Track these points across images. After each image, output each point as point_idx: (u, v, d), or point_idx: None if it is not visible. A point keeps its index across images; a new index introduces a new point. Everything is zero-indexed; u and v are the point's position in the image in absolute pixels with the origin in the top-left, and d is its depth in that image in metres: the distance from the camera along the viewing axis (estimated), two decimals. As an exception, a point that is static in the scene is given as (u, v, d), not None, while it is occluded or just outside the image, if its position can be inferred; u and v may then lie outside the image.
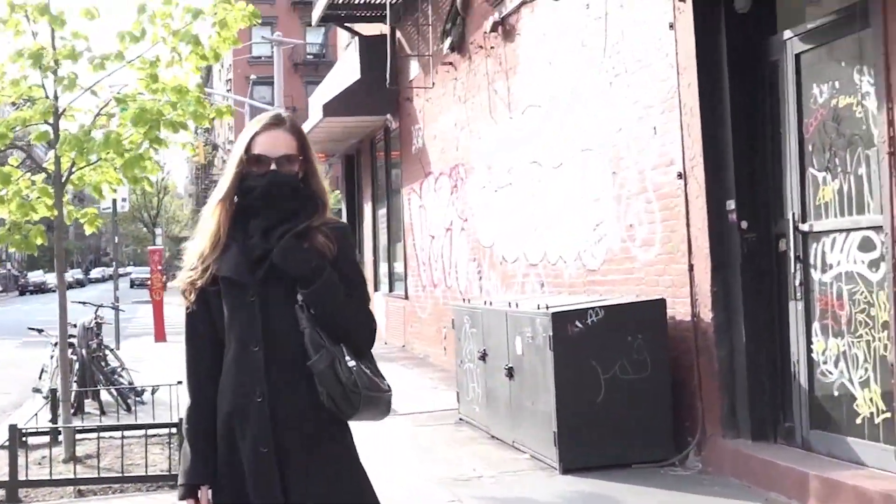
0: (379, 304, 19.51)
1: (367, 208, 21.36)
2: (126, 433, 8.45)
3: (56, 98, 8.62)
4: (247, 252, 3.11)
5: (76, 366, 11.33)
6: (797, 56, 6.87)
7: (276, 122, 3.20)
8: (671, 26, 7.73)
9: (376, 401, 3.07)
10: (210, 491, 3.12)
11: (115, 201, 21.36)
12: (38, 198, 8.77)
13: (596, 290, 9.23)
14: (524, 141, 11.20)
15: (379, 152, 19.98)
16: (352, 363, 3.04)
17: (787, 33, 6.92)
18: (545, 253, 10.69)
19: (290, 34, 47.16)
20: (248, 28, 10.65)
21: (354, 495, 3.09)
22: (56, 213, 8.69)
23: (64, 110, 8.69)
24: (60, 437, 8.85)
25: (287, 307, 3.07)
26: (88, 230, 9.47)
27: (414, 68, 16.60)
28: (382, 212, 20.13)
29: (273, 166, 3.12)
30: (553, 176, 10.35)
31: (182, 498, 3.14)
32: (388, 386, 3.12)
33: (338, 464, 3.09)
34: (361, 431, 3.29)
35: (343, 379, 3.00)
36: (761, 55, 7.22)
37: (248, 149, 3.15)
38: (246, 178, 3.15)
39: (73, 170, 8.71)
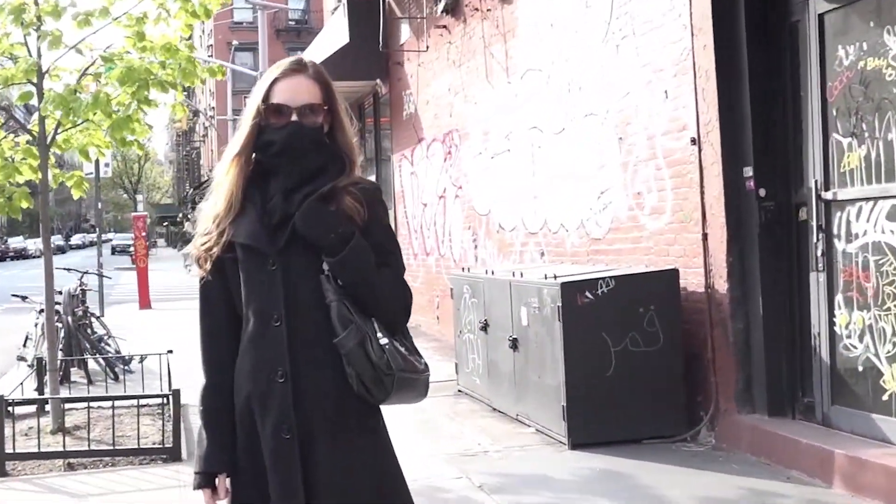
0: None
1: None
2: (116, 404, 8.13)
3: (39, 56, 8.24)
4: (266, 216, 2.79)
5: (62, 334, 10.99)
6: (820, 16, 6.56)
7: (298, 67, 2.85)
8: (685, -15, 7.41)
9: (412, 383, 2.76)
10: (228, 480, 2.82)
11: (97, 165, 20.90)
12: (23, 159, 8.39)
13: (600, 259, 8.95)
14: (523, 106, 10.87)
15: (368, 118, 19.61)
16: (384, 341, 2.72)
17: (811, -8, 6.62)
18: (545, 221, 10.39)
19: (273, -1, 46.59)
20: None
21: (385, 493, 2.78)
22: (41, 175, 8.33)
23: (48, 69, 8.31)
24: (47, 408, 8.54)
25: (312, 277, 2.75)
26: (76, 194, 9.09)
27: (405, 32, 16.21)
28: (371, 179, 19.73)
29: (294, 117, 2.79)
30: (554, 142, 10.04)
31: (198, 487, 2.84)
32: (426, 364, 2.81)
33: (367, 454, 2.77)
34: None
35: (374, 359, 2.69)
36: (781, 16, 6.92)
37: (266, 98, 2.81)
38: (264, 131, 2.82)
39: (59, 131, 8.34)
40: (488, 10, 12.00)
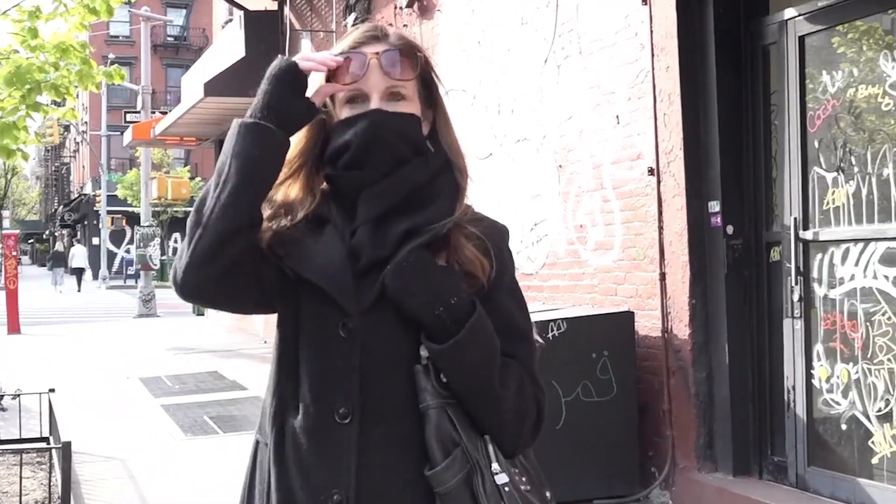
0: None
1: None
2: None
3: (-89, 51, 7.22)
4: (347, 250, 1.93)
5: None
6: (801, 39, 5.99)
7: (375, 34, 2.00)
8: (644, 1, 6.79)
9: None
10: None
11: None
12: None
13: (533, 297, 8.25)
14: (443, 128, 10.14)
15: (260, 137, 18.66)
16: (502, 479, 1.88)
17: (790, 12, 6.05)
18: (467, 253, 9.65)
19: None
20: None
21: None
22: None
23: (-80, 67, 7.29)
24: None
25: (403, 364, 1.90)
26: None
27: (305, 47, 15.37)
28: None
29: (374, 105, 1.95)
30: (479, 168, 9.32)
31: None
32: (550, 497, 1.99)
33: None
34: None
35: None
36: (755, 37, 6.35)
37: (330, 80, 1.97)
38: (333, 133, 1.97)
39: (-70, 138, 7.32)
40: (404, 25, 11.26)
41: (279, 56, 2.01)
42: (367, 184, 1.93)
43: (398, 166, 1.93)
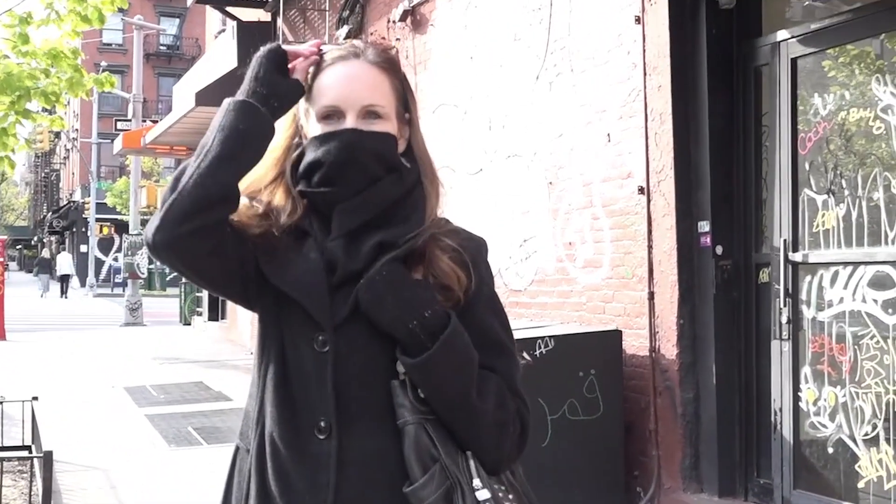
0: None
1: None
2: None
3: None
4: (324, 263, 1.90)
5: None
6: (793, 61, 6.00)
7: (354, 51, 1.98)
8: (638, 20, 6.79)
9: None
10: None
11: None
12: None
13: (520, 313, 8.23)
14: (434, 143, 10.11)
15: (251, 148, 18.62)
16: (483, 494, 1.84)
17: (783, 34, 6.05)
18: (456, 268, 9.62)
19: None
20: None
21: None
22: None
23: None
24: None
25: (379, 378, 1.88)
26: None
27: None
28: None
29: (350, 123, 1.92)
30: (469, 183, 9.31)
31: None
32: None
33: None
34: None
35: None
36: (747, 58, 6.35)
37: (309, 96, 1.96)
38: (307, 149, 1.95)
39: (-82, 143, 7.27)
40: (397, 38, 11.26)
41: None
42: (340, 201, 1.92)
43: (371, 184, 1.92)
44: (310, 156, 1.94)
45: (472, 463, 1.86)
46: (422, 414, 1.85)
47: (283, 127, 2.03)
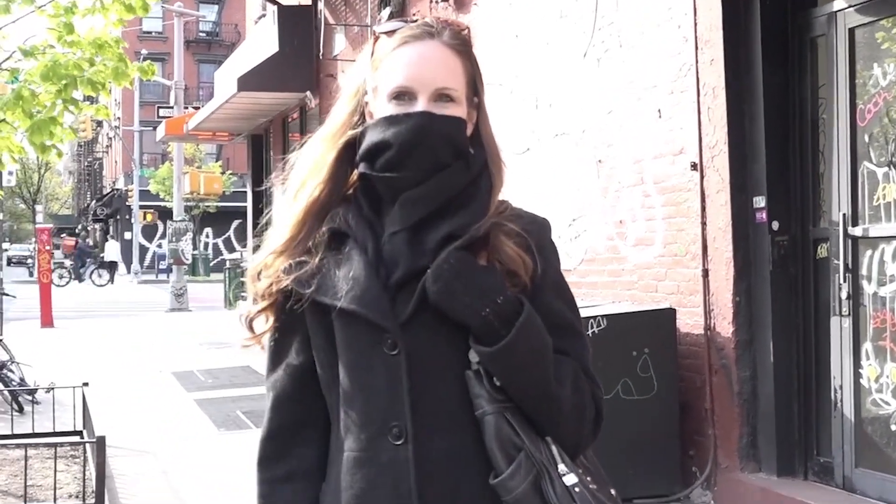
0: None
1: (279, 194, 19.96)
2: (27, 442, 7.00)
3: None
4: (381, 265, 1.83)
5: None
6: (851, 31, 5.86)
7: (429, 30, 1.89)
8: (688, -7, 6.66)
9: None
10: None
11: (-1, 174, 19.52)
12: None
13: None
14: (479, 123, 10.04)
15: (293, 133, 18.61)
16: (570, 479, 1.78)
17: (839, 3, 5.91)
18: (503, 248, 9.55)
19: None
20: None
21: None
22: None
23: (-43, 60, 7.27)
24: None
25: (453, 371, 1.81)
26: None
27: (340, 42, 15.31)
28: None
29: (422, 106, 1.84)
30: (517, 163, 9.22)
31: None
32: (616, 494, 1.90)
33: None
34: None
35: None
36: (802, 30, 6.21)
37: (379, 74, 1.88)
38: (373, 129, 1.86)
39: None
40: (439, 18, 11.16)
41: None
42: (406, 188, 1.84)
43: (438, 171, 1.84)
44: (376, 136, 1.85)
45: (554, 448, 1.81)
46: (500, 403, 1.79)
47: (344, 101, 1.96)
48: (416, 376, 1.79)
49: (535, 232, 1.90)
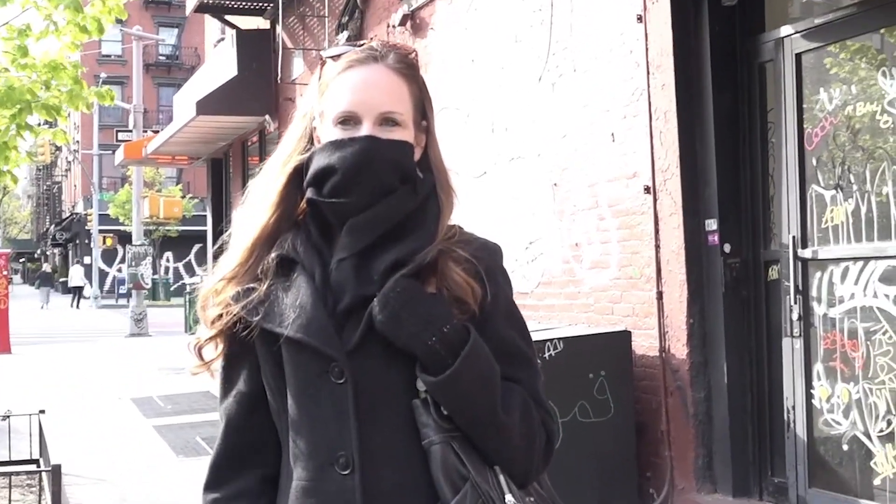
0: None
1: (237, 218, 19.91)
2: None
3: None
4: (327, 292, 1.84)
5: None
6: (798, 56, 5.96)
7: (373, 54, 1.90)
8: (640, 18, 6.75)
9: None
10: None
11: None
12: None
13: (529, 316, 8.17)
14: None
15: (252, 157, 18.60)
16: None
17: (786, 30, 6.02)
18: (461, 271, 9.57)
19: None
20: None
21: None
22: None
23: None
24: None
25: (399, 400, 1.82)
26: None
27: (298, 66, 15.35)
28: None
29: (366, 130, 1.85)
30: (473, 186, 9.27)
31: None
32: None
33: None
34: None
35: None
36: (750, 55, 6.31)
37: (325, 99, 1.90)
38: (319, 154, 1.87)
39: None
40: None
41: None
42: (352, 213, 1.85)
43: (384, 195, 1.85)
44: (321, 161, 1.86)
45: (501, 478, 1.81)
46: (447, 432, 1.79)
47: (293, 127, 1.98)
48: (363, 405, 1.79)
49: (485, 258, 1.89)
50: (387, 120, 1.86)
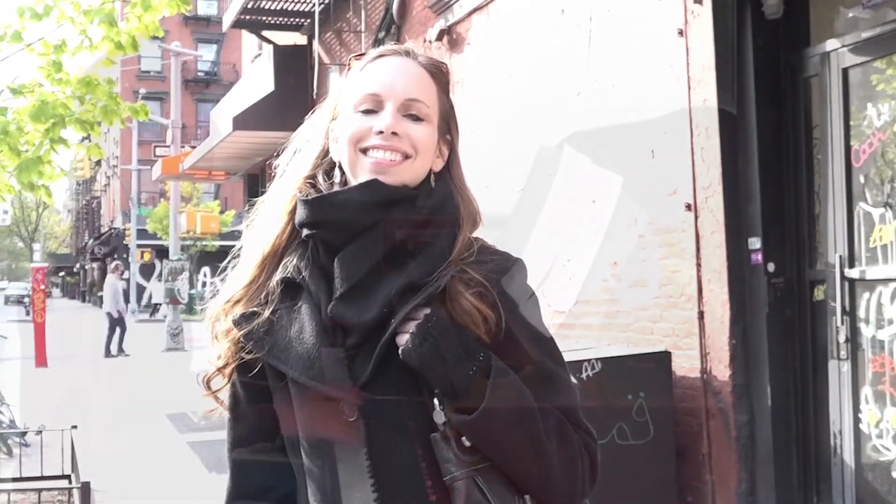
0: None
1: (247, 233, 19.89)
2: (11, 487, 6.88)
3: (-65, 85, 7.14)
4: (332, 324, 1.73)
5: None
6: (844, 71, 5.81)
7: (405, 49, 1.81)
8: (681, 33, 6.62)
9: None
10: None
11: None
12: None
13: (565, 335, 8.04)
14: (472, 161, 9.97)
15: (289, 172, 18.57)
16: None
17: (832, 44, 5.86)
18: (498, 289, 9.46)
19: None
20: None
21: None
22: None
23: (-55, 100, 7.21)
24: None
25: (416, 431, 1.69)
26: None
27: (334, 81, 15.28)
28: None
29: (388, 115, 1.73)
30: (510, 201, 9.16)
31: None
32: None
33: None
34: None
35: None
36: (795, 70, 6.16)
37: (348, 91, 1.79)
38: (300, 209, 1.80)
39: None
40: (434, 59, 11.14)
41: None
42: (340, 245, 1.74)
43: (368, 230, 1.74)
44: (300, 217, 1.79)
45: None
46: (470, 466, 1.67)
47: (309, 134, 1.89)
48: (376, 441, 1.69)
49: (500, 280, 1.75)
50: (411, 111, 1.75)
